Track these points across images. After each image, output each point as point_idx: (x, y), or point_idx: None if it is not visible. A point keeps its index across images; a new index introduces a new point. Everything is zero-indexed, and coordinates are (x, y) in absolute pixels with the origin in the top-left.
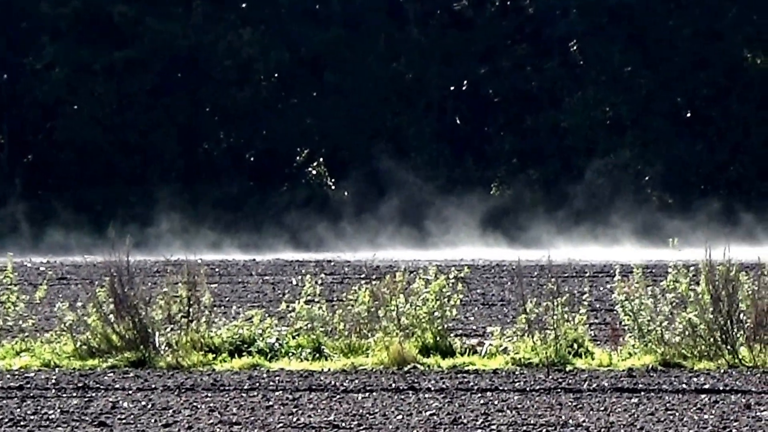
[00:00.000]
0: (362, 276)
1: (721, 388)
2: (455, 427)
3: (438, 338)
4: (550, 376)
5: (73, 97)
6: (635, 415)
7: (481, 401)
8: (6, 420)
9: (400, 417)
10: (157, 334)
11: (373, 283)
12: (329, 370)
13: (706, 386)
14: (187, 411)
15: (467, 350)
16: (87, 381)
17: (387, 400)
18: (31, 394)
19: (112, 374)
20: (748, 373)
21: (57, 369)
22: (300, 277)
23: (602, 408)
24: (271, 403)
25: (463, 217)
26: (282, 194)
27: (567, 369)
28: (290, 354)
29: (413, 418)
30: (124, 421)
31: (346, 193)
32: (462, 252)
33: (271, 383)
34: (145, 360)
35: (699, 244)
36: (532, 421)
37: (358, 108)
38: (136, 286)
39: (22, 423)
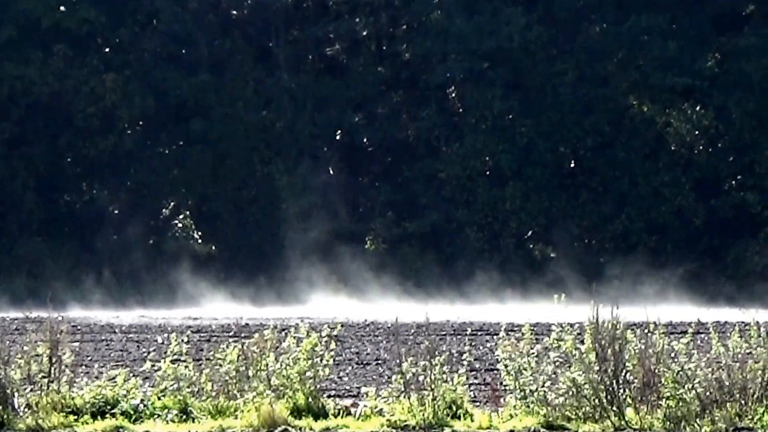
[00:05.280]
0: (231, 334)
1: None
2: None
3: (310, 399)
4: None
5: None
6: None
7: None
8: None
9: None
10: (15, 394)
11: (242, 341)
12: None
13: None
14: None
15: (341, 412)
16: None
17: None
18: None
19: None
20: None
21: None
22: (166, 334)
23: None
24: None
25: (337, 272)
26: (147, 248)
27: (445, 431)
28: (155, 416)
29: None
30: None
31: (213, 247)
32: (335, 309)
33: None
34: (3, 422)
35: (584, 300)
36: None
37: (226, 157)
38: None
39: None
